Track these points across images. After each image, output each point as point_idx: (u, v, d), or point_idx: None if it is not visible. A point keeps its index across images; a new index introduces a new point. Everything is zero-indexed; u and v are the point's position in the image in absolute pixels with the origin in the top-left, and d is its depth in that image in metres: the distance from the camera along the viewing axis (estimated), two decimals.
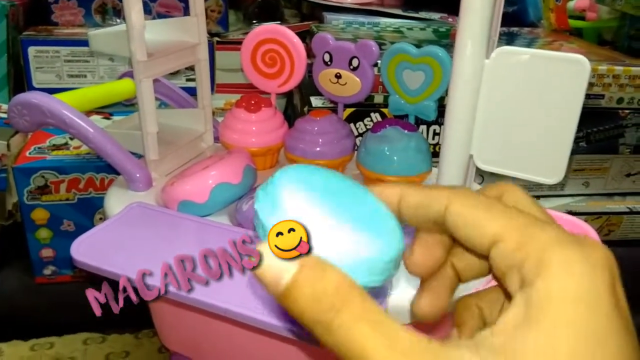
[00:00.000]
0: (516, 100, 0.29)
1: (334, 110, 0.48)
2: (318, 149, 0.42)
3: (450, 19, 0.79)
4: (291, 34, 0.44)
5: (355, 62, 0.42)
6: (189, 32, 0.43)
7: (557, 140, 0.29)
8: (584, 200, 0.64)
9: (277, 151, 0.46)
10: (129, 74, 0.50)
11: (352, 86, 0.43)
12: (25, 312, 0.52)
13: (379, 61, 0.42)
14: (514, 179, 0.30)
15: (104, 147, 0.39)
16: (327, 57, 0.43)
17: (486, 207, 0.18)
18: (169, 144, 0.43)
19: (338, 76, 0.43)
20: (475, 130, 0.30)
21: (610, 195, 0.65)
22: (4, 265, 0.54)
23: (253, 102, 0.44)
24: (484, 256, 0.18)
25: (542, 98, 0.28)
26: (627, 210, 0.63)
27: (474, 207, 0.18)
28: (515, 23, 0.80)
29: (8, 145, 0.50)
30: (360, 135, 0.57)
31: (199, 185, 0.35)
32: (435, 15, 0.80)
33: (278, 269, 0.17)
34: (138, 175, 0.39)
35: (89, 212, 0.50)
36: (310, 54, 0.45)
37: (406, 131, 0.40)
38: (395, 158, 0.40)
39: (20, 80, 0.61)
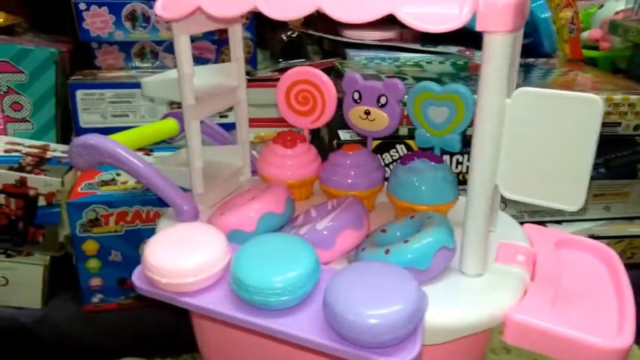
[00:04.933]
0: (537, 135, 0.32)
1: (361, 142, 0.52)
2: (350, 181, 0.45)
3: (467, 52, 0.83)
4: (322, 75, 0.48)
5: (383, 100, 0.45)
6: (229, 75, 0.47)
7: (576, 170, 0.31)
8: (606, 224, 0.66)
9: (312, 183, 0.49)
10: (172, 115, 0.55)
11: (381, 122, 0.46)
12: (74, 339, 0.55)
13: (405, 96, 0.45)
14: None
15: (155, 182, 0.42)
16: (356, 96, 0.47)
17: None
18: (212, 179, 0.47)
19: (367, 113, 0.46)
20: (500, 162, 0.33)
21: (631, 219, 0.67)
22: (55, 294, 0.58)
23: (289, 138, 0.47)
24: None
25: (561, 133, 0.31)
26: None
27: None
28: (531, 54, 0.83)
29: (62, 182, 0.54)
30: (387, 165, 0.60)
31: (247, 215, 0.38)
32: (453, 49, 0.83)
33: None
34: (186, 207, 0.43)
35: (135, 243, 0.54)
36: (337, 89, 0.48)
37: (433, 163, 0.43)
38: (424, 188, 0.42)
39: (68, 121, 0.66)
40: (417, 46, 0.83)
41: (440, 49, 0.83)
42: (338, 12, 0.29)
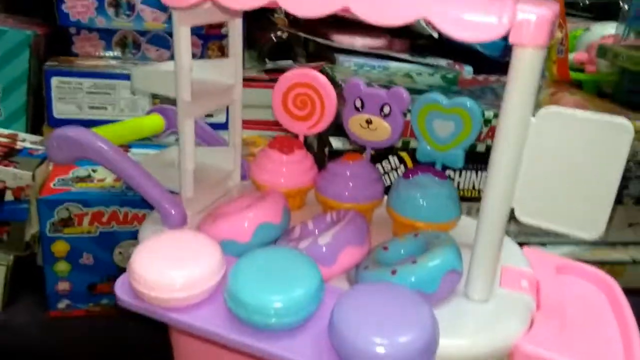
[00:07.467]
0: (560, 158, 0.30)
1: (357, 151, 0.49)
2: (349, 193, 0.43)
3: (456, 66, 0.82)
4: (323, 79, 0.45)
5: (386, 109, 0.44)
6: (226, 72, 0.44)
7: (598, 197, 0.30)
8: (589, 249, 0.66)
9: (306, 193, 0.46)
10: (157, 110, 0.51)
11: (382, 132, 0.44)
12: (37, 347, 0.51)
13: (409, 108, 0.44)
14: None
15: (143, 182, 0.39)
16: (358, 103, 0.45)
17: None
18: (199, 182, 0.43)
19: (369, 122, 0.44)
20: (519, 184, 0.32)
21: (612, 244, 0.67)
22: (17, 297, 0.53)
23: (286, 143, 0.45)
24: None
25: (586, 157, 0.30)
26: (630, 260, 0.65)
27: None
28: None
29: (33, 176, 0.49)
30: None
31: (242, 225, 0.36)
32: (442, 62, 0.83)
33: None
34: (174, 212, 0.39)
35: (109, 245, 0.50)
36: None
37: (437, 178, 0.42)
38: (426, 204, 0.41)
39: (40, 110, 0.61)
40: (406, 56, 0.82)
41: (428, 60, 0.82)
42: (366, 13, 0.27)
